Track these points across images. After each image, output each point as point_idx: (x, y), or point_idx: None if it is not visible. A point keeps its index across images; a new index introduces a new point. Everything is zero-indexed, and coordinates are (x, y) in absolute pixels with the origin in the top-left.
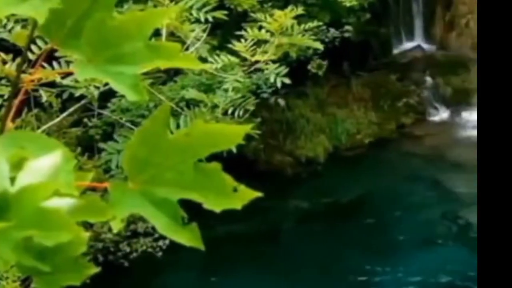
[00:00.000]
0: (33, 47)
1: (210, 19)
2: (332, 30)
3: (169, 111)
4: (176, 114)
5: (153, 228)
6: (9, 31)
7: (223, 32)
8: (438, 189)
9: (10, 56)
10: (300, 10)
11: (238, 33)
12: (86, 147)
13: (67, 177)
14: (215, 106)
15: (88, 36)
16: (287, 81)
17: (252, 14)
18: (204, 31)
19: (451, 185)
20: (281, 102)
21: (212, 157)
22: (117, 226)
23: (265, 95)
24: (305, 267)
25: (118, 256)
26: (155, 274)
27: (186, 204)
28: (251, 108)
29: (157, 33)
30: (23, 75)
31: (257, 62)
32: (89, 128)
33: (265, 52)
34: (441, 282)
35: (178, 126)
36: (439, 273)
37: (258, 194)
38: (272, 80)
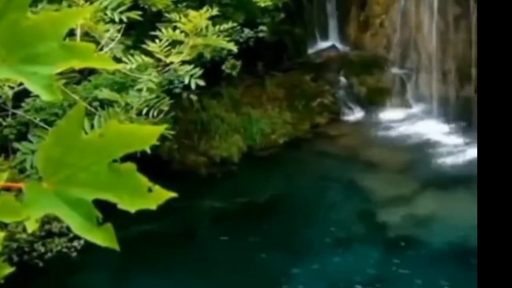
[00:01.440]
0: None
1: (125, 19)
2: (246, 30)
3: (84, 111)
4: (90, 114)
5: (68, 228)
6: None
7: (138, 32)
8: (352, 189)
9: None
10: (215, 11)
11: (152, 33)
12: (1, 147)
13: None
14: (129, 106)
15: (2, 36)
16: (201, 83)
17: (166, 15)
18: (118, 31)
19: (365, 184)
20: (194, 97)
21: (127, 158)
22: (31, 226)
23: (177, 90)
24: (220, 267)
25: (33, 256)
26: (70, 274)
27: (101, 204)
28: (166, 108)
29: (71, 33)
30: None
31: (171, 63)
32: (3, 128)
33: (180, 53)
34: (354, 281)
35: (92, 127)
36: (353, 272)
37: (173, 194)
38: (186, 81)
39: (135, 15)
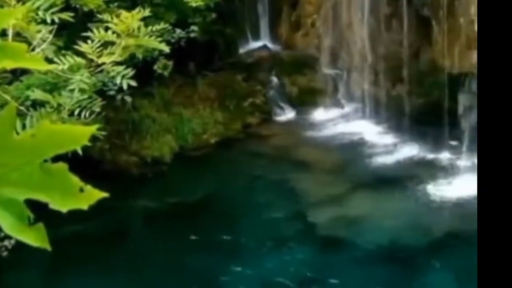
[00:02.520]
0: None
1: (57, 20)
2: (178, 30)
3: (15, 111)
4: (22, 115)
5: None
6: None
7: (69, 32)
8: (284, 189)
9: None
10: (147, 12)
11: (84, 34)
12: None
13: None
14: (61, 107)
15: None
16: (133, 83)
17: (98, 15)
18: (50, 32)
19: (296, 185)
20: (128, 99)
21: (58, 158)
22: None
23: (111, 93)
24: (152, 267)
25: None
26: (0, 274)
27: (33, 204)
28: (97, 109)
29: (3, 33)
30: None
31: (104, 63)
32: None
33: (112, 53)
34: (286, 281)
35: (24, 127)
36: (285, 272)
37: (104, 194)
38: (118, 82)
39: (67, 16)
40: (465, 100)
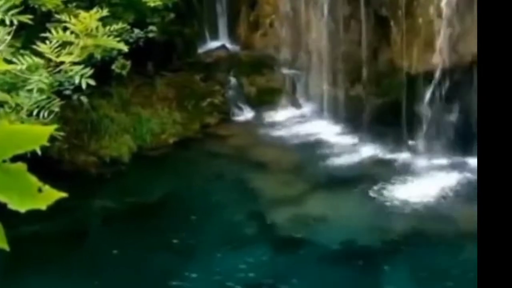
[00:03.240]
0: None
1: (15, 21)
2: (136, 30)
3: None
4: None
5: None
6: None
7: (28, 33)
8: (243, 189)
9: None
10: (105, 11)
11: (43, 35)
12: None
13: None
14: (19, 107)
15: None
16: (92, 82)
17: (56, 15)
18: (8, 33)
19: (255, 185)
20: (85, 99)
21: (17, 158)
22: None
23: (67, 92)
24: (110, 267)
25: None
26: None
27: None
28: (56, 109)
29: None
30: None
31: (62, 63)
32: None
33: (70, 53)
34: (245, 281)
35: None
36: (243, 272)
37: (63, 194)
38: (77, 81)
39: (26, 18)
40: (424, 100)
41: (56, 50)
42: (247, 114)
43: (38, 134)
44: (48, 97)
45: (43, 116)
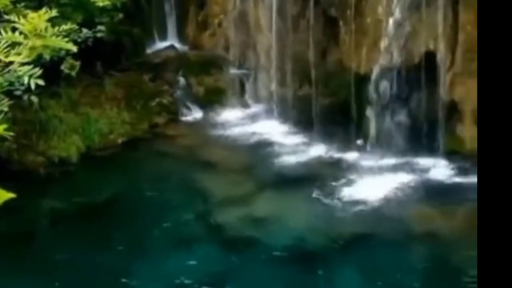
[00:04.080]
0: None
1: None
2: (85, 30)
3: None
4: None
5: None
6: None
7: None
8: (191, 189)
9: None
10: (54, 12)
11: None
12: None
13: None
14: None
15: None
16: (41, 82)
17: (5, 15)
18: None
19: (204, 185)
20: (35, 99)
21: None
22: None
23: (18, 93)
24: (59, 268)
25: None
26: None
27: None
28: (5, 109)
29: None
30: None
31: (11, 63)
32: None
33: (19, 54)
34: (193, 281)
35: None
36: (192, 272)
37: (11, 195)
38: (26, 81)
39: None
40: (372, 100)
41: (5, 50)
42: (195, 114)
43: None
44: None
45: None
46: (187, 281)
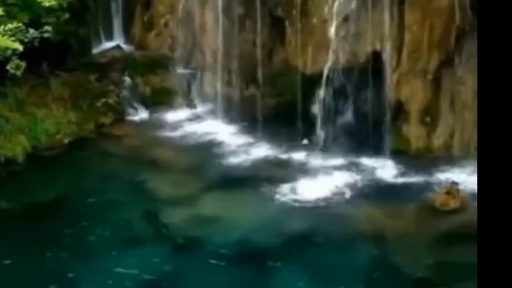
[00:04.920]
0: None
1: None
2: (31, 30)
3: None
4: None
5: None
6: None
7: None
8: (138, 189)
9: None
10: (0, 11)
11: None
12: None
13: None
14: None
15: None
16: None
17: None
18: None
19: (150, 185)
20: None
21: None
22: None
23: None
24: (3, 268)
25: None
26: None
27: None
28: None
29: None
30: None
31: None
32: None
33: None
34: (139, 282)
35: None
36: (138, 273)
37: None
38: None
39: None
40: (318, 100)
41: None
42: (141, 114)
43: None
44: None
45: None
46: (132, 282)
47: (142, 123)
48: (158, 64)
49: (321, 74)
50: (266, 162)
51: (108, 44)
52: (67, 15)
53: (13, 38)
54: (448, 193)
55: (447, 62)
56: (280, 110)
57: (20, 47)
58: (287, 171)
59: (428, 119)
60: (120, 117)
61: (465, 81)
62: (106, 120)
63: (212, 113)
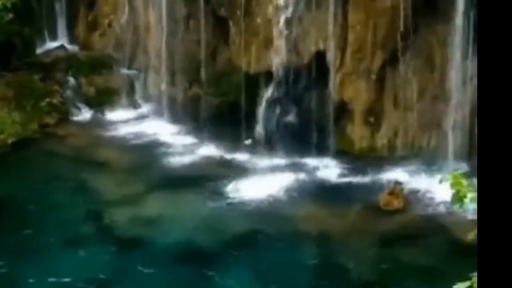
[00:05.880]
0: None
1: None
2: None
3: None
4: None
5: None
6: None
7: None
8: (82, 189)
9: None
10: None
11: None
12: None
13: None
14: None
15: None
16: None
17: None
18: None
19: (94, 185)
20: None
21: None
22: None
23: None
24: None
25: None
26: None
27: None
28: None
29: None
30: None
31: None
32: None
33: None
34: (83, 281)
35: None
36: (80, 273)
37: None
38: None
39: None
40: (262, 100)
41: None
42: (85, 114)
43: None
44: None
45: None
46: (75, 282)
47: (86, 123)
48: (102, 64)
49: (265, 74)
50: (209, 162)
51: (52, 44)
52: (11, 15)
53: None
54: (391, 193)
55: (391, 62)
56: (224, 110)
57: None
58: (231, 171)
59: (371, 119)
60: (64, 117)
61: (409, 81)
62: (50, 120)
63: (156, 113)
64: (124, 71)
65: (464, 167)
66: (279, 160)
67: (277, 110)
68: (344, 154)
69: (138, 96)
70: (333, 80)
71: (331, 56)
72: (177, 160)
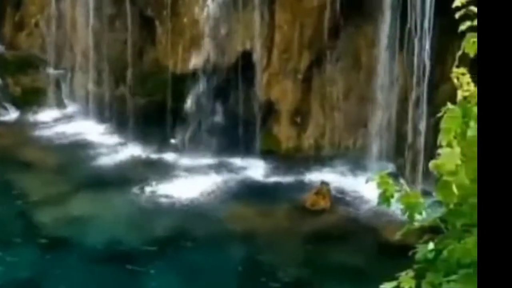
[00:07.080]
0: None
1: None
2: None
3: None
4: None
5: None
6: None
7: None
8: (7, 189)
9: None
10: None
11: None
12: None
13: None
14: None
15: None
16: None
17: None
18: None
19: (20, 185)
20: None
21: None
22: None
23: None
24: None
25: None
26: None
27: None
28: None
29: None
30: None
31: None
32: None
33: None
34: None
35: None
36: (5, 273)
37: None
38: None
39: None
40: (189, 100)
41: None
42: (12, 114)
43: None
44: None
45: None
46: (9, 281)
47: (12, 123)
48: (28, 64)
49: (191, 74)
50: (136, 162)
51: None
52: None
53: None
54: (318, 193)
55: (317, 62)
56: (150, 110)
57: None
58: (157, 171)
59: (298, 119)
60: None
61: (335, 81)
62: None
63: (83, 113)
64: (51, 71)
65: (390, 167)
66: (206, 160)
67: (204, 110)
68: (271, 154)
69: (65, 96)
70: (260, 80)
71: (258, 56)
72: (103, 160)
